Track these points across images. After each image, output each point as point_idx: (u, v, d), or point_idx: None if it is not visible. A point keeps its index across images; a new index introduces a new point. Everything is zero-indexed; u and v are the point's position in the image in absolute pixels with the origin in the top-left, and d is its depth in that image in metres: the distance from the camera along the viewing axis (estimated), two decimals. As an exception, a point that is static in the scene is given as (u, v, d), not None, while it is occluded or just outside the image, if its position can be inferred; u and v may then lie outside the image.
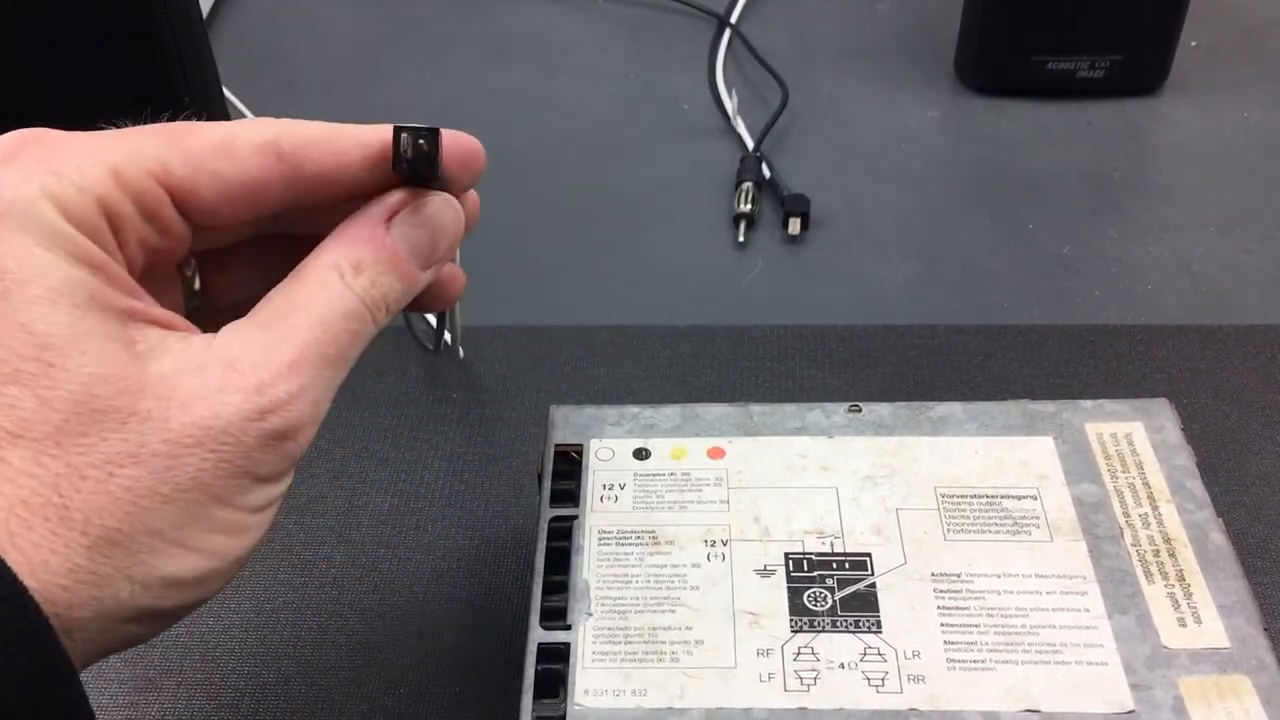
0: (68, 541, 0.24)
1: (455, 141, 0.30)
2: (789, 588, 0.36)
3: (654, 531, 0.38)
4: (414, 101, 0.65)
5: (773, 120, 0.60)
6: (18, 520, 0.24)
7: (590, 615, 0.35)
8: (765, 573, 0.36)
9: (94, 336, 0.25)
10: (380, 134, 0.29)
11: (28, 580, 0.23)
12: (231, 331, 0.27)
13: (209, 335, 0.27)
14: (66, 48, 0.47)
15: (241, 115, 0.60)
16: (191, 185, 0.27)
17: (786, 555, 0.37)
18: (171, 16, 0.48)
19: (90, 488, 0.24)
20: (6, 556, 0.23)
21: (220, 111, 0.52)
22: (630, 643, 0.35)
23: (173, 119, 0.29)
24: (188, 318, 0.28)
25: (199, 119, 0.29)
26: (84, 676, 0.39)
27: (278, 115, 0.29)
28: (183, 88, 0.48)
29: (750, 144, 0.59)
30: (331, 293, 0.28)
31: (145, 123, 0.28)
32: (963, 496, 0.38)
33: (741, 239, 0.55)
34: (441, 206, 0.30)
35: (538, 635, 0.35)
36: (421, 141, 0.28)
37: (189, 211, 0.27)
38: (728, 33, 0.67)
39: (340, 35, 0.66)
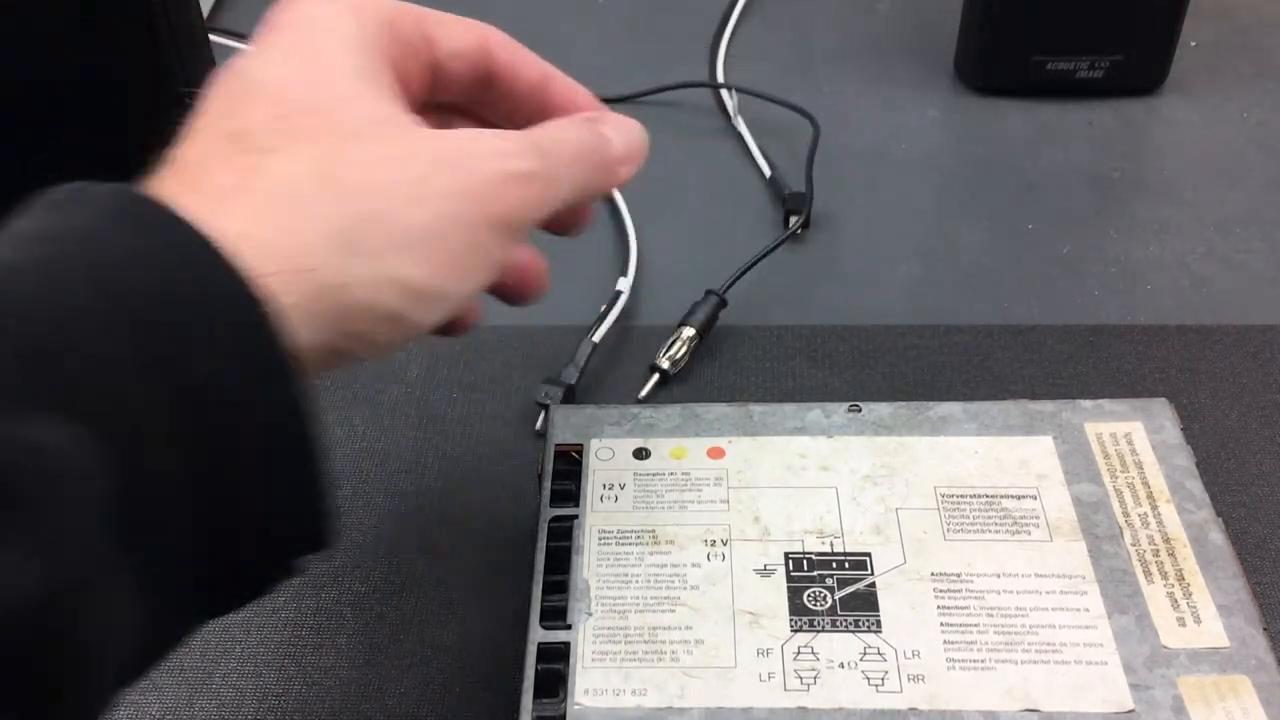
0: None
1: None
2: (789, 587, 0.36)
3: (654, 531, 0.38)
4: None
5: (811, 153, 0.58)
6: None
7: (590, 615, 0.35)
8: (765, 572, 0.36)
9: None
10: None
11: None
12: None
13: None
14: (63, 44, 0.47)
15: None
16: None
17: (786, 555, 0.37)
18: (170, 16, 0.47)
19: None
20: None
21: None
22: (630, 642, 0.35)
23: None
24: None
25: None
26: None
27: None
28: (180, 90, 0.48)
29: (751, 144, 0.59)
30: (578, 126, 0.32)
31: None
32: (962, 496, 0.38)
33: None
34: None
35: (538, 635, 0.35)
36: None
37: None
38: (728, 33, 0.67)
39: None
